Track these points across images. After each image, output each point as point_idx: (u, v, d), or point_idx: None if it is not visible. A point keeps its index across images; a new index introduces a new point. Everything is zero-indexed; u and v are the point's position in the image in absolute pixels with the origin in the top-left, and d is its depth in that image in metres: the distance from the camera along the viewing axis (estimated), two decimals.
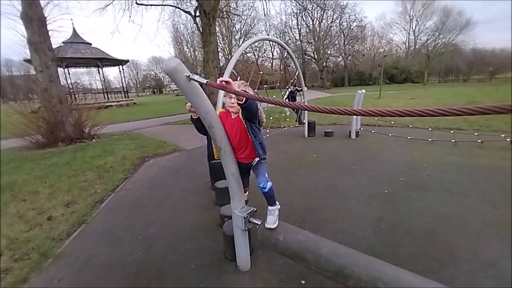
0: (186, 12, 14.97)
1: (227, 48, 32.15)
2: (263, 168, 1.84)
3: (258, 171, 1.84)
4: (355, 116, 6.23)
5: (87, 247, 2.49)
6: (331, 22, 39.94)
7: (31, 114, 7.19)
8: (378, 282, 1.20)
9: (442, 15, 38.54)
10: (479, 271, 1.88)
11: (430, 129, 6.07)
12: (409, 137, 5.80)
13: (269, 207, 1.85)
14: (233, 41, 32.70)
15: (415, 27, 42.29)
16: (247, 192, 2.12)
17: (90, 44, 24.23)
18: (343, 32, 40.40)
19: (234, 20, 25.04)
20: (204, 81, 1.44)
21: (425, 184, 3.43)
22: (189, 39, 36.03)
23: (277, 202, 1.88)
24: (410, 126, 6.73)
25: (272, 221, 1.78)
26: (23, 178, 4.39)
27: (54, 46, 7.52)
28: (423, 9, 40.51)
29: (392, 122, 7.13)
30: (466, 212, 2.68)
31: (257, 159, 1.84)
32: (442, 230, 2.41)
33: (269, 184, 1.80)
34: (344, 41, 41.09)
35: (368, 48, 45.88)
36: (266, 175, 1.82)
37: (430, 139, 5.49)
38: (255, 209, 1.94)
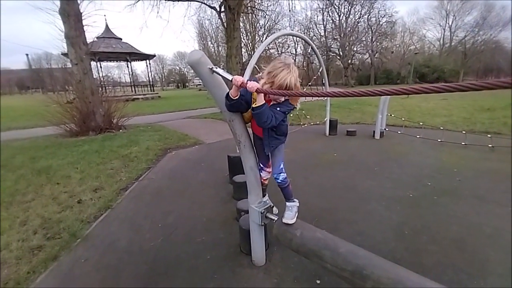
0: (211, 7, 15.14)
1: (250, 44, 32.12)
2: (279, 157, 1.81)
3: (274, 159, 1.82)
4: (380, 116, 5.97)
5: (111, 231, 2.63)
6: (359, 18, 38.46)
7: (66, 104, 7.71)
8: (400, 286, 1.14)
9: (483, 10, 35.49)
10: None
11: (464, 132, 5.66)
12: (439, 140, 5.44)
13: (287, 203, 1.85)
14: (256, 37, 32.61)
15: (452, 22, 39.37)
16: (270, 168, 1.99)
17: (121, 39, 25.38)
18: (371, 28, 38.72)
19: (258, 15, 24.93)
20: (230, 77, 1.43)
21: (455, 190, 3.21)
22: (213, 35, 36.55)
23: (295, 200, 1.87)
24: (441, 128, 6.31)
25: (290, 217, 1.76)
26: (57, 163, 4.74)
27: (88, 41, 7.99)
28: (462, 3, 37.52)
29: (421, 123, 6.74)
30: (500, 223, 2.47)
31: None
32: (472, 240, 2.24)
33: (282, 176, 1.79)
34: (372, 37, 39.37)
35: (397, 45, 43.58)
36: (281, 166, 1.80)
37: (463, 143, 5.12)
38: (272, 204, 1.94)
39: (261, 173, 1.96)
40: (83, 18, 7.50)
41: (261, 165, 1.96)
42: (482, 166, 4.01)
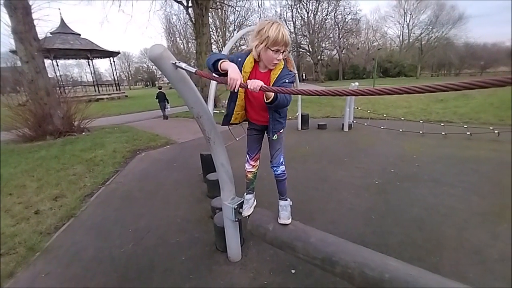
0: (178, 2, 14.57)
1: (221, 40, 31.62)
2: (280, 149, 1.73)
3: (273, 151, 1.74)
4: (348, 109, 6.25)
5: (76, 240, 2.45)
6: (326, 15, 39.66)
7: (18, 107, 6.97)
8: (365, 268, 1.22)
9: (436, 9, 38.57)
10: (464, 259, 1.93)
11: (421, 121, 6.15)
12: (400, 130, 5.86)
13: (281, 202, 1.78)
14: (227, 33, 32.19)
15: (409, 20, 42.28)
16: (257, 161, 1.86)
17: (79, 35, 23.47)
18: (338, 25, 40.19)
19: (228, 11, 24.61)
20: (193, 70, 1.39)
21: (415, 175, 3.48)
22: (181, 31, 35.34)
23: (288, 198, 1.81)
24: (402, 118, 6.80)
25: (286, 216, 1.70)
26: (9, 172, 4.28)
27: (40, 36, 7.25)
28: (417, 2, 40.45)
29: (385, 115, 7.19)
30: (454, 202, 2.74)
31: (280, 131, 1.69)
32: (429, 219, 2.46)
33: (282, 168, 1.74)
34: (339, 34, 40.90)
35: (362, 42, 45.79)
36: (282, 159, 1.74)
37: (421, 132, 5.56)
38: (256, 203, 1.93)
39: (246, 164, 1.84)
40: (32, 11, 6.80)
41: (248, 157, 1.82)
42: (437, 152, 4.40)
